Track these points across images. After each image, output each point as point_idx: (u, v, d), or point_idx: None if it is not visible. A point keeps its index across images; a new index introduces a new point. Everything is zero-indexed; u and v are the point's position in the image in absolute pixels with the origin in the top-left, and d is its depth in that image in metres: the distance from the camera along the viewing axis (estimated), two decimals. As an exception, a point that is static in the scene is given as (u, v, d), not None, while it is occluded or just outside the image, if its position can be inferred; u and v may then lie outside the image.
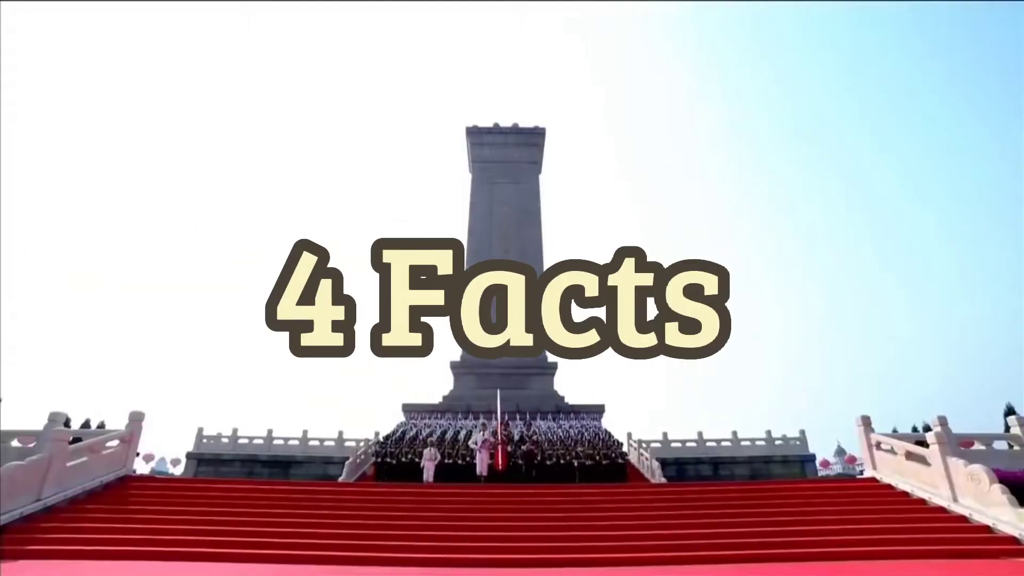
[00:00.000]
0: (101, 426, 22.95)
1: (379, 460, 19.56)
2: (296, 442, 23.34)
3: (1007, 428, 17.57)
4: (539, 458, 18.37)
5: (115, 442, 13.61)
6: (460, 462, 18.94)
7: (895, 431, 26.69)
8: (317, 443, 23.38)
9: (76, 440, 13.18)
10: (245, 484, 13.72)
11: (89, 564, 8.87)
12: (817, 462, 29.81)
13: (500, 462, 16.86)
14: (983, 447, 13.85)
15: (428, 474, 17.72)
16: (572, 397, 29.14)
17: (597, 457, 19.15)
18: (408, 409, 29.16)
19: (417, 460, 18.70)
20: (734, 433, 23.81)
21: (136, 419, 14.35)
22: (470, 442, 18.26)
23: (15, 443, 14.68)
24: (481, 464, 16.99)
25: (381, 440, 21.43)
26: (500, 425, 17.73)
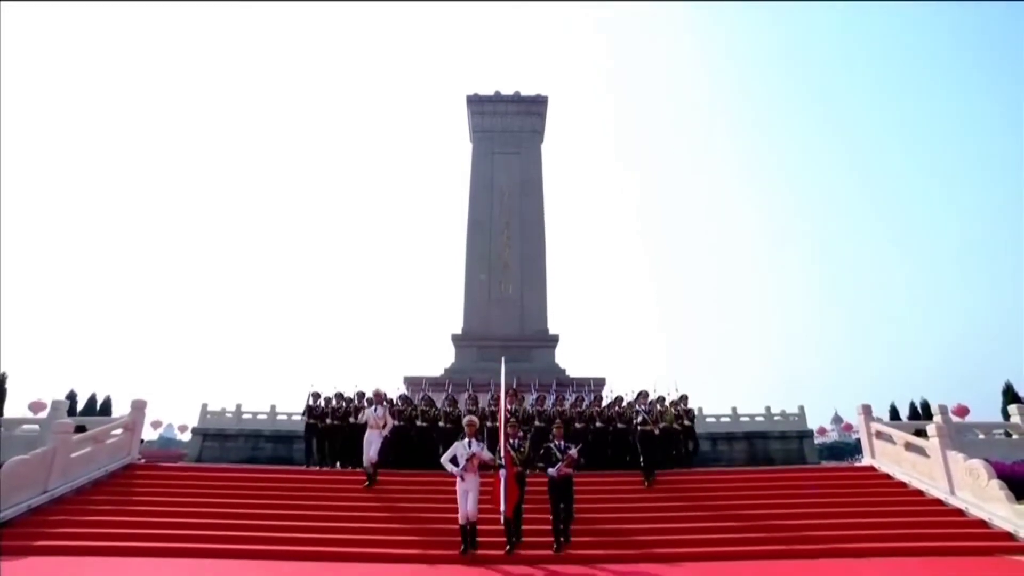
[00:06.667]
0: (107, 402, 23.23)
1: (311, 422, 15.14)
2: (299, 417, 23.61)
3: (1006, 409, 17.67)
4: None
5: (119, 430, 13.71)
6: (443, 424, 14.49)
7: (893, 407, 26.97)
8: (320, 418, 23.66)
9: (80, 428, 13.24)
10: (252, 472, 13.78)
11: (95, 560, 8.95)
12: (815, 430, 30.27)
13: (504, 500, 8.93)
14: (982, 436, 13.93)
15: (372, 445, 12.30)
16: (572, 370, 29.23)
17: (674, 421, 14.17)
18: (410, 382, 29.25)
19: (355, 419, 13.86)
20: (733, 409, 24.02)
21: (138, 407, 14.42)
22: (448, 459, 9.63)
23: (23, 428, 14.93)
24: (467, 503, 9.10)
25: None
26: (501, 415, 10.45)
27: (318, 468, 14.62)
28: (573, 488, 9.80)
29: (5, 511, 10.29)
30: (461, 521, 9.24)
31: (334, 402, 15.40)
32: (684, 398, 15.83)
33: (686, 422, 15.37)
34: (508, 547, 9.25)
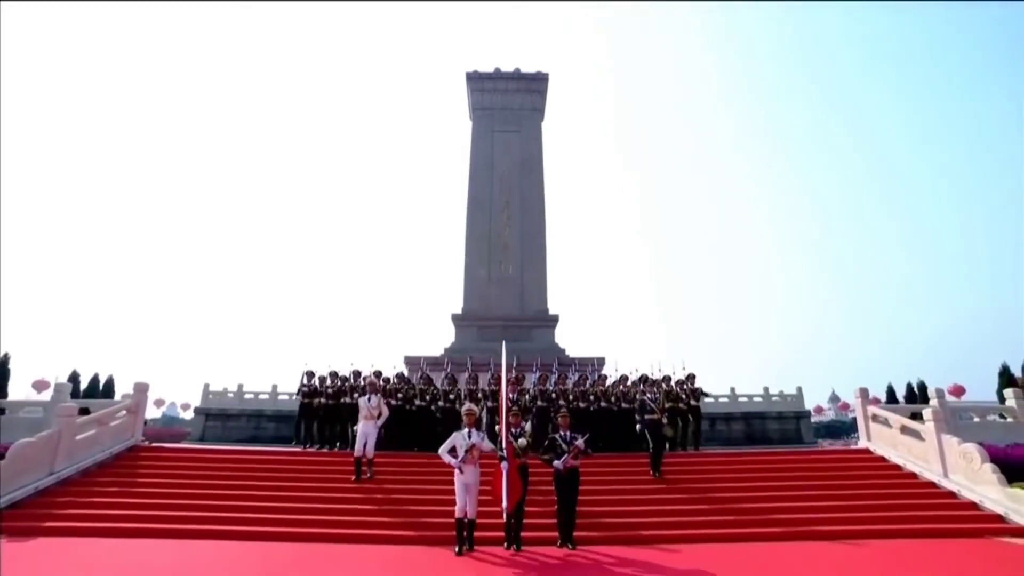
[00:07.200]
0: (109, 383, 23.38)
1: (305, 401, 14.99)
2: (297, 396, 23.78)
3: (1002, 391, 17.80)
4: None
5: (123, 413, 13.86)
6: (442, 404, 14.57)
7: (890, 388, 27.16)
8: (322, 398, 23.81)
9: (83, 410, 13.39)
10: (253, 454, 13.84)
11: (102, 542, 9.11)
12: (812, 409, 30.57)
13: (506, 493, 8.55)
14: (977, 419, 14.07)
15: (368, 439, 11.66)
16: (571, 350, 29.38)
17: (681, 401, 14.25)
18: (410, 362, 29.39)
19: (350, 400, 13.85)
20: (732, 389, 24.19)
21: (140, 390, 14.58)
22: (446, 450, 9.08)
23: (27, 410, 15.12)
24: (466, 498, 8.58)
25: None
26: (503, 402, 10.06)
27: (313, 448, 14.51)
28: (579, 482, 9.25)
29: (14, 492, 10.48)
30: (458, 515, 8.65)
31: (328, 380, 15.15)
32: (691, 377, 15.51)
33: (693, 402, 14.96)
34: (507, 544, 8.84)
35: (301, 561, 8.26)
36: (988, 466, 11.00)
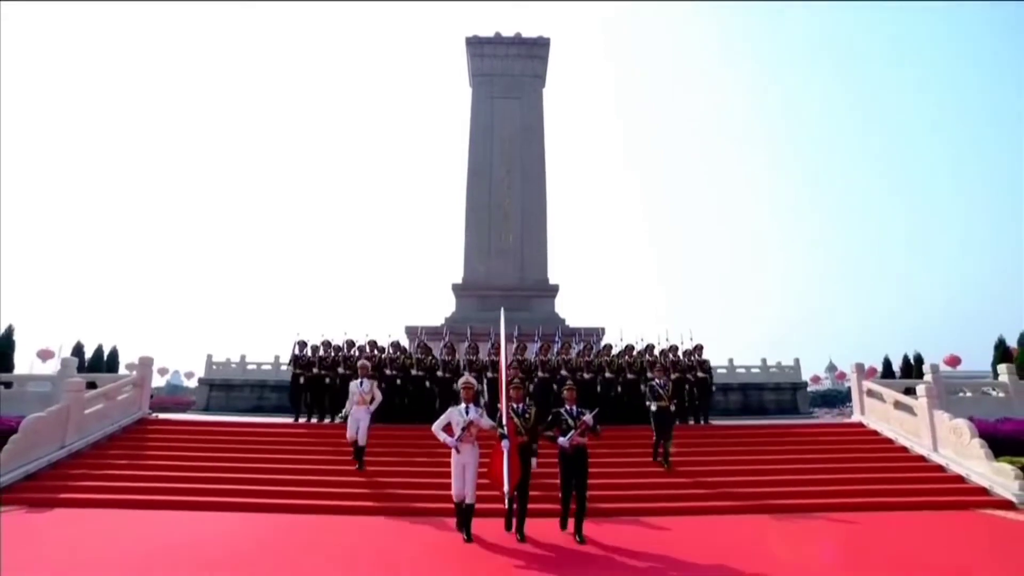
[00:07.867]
0: (113, 353, 23.62)
1: (297, 372, 14.82)
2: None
3: (995, 366, 18.03)
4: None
5: (129, 387, 14.12)
6: (441, 374, 14.21)
7: (887, 360, 27.44)
8: (323, 368, 24.12)
9: (90, 384, 13.61)
10: (255, 427, 14.06)
11: (118, 513, 9.40)
12: (808, 378, 30.97)
13: (506, 473, 7.49)
14: (970, 393, 14.31)
15: (360, 424, 11.10)
16: (571, 320, 29.59)
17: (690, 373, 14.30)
18: (410, 331, 29.55)
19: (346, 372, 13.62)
20: (730, 360, 24.51)
21: (145, 363, 14.83)
22: (440, 427, 8.22)
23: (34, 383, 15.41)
24: (464, 480, 7.90)
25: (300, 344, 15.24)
26: (502, 374, 9.38)
27: (306, 421, 14.55)
28: (588, 462, 8.27)
29: (28, 465, 10.80)
30: (456, 499, 8.01)
31: (321, 351, 14.86)
32: (699, 348, 15.36)
33: (700, 373, 14.76)
34: (507, 526, 8.18)
35: (299, 533, 8.45)
36: (976, 441, 11.26)
